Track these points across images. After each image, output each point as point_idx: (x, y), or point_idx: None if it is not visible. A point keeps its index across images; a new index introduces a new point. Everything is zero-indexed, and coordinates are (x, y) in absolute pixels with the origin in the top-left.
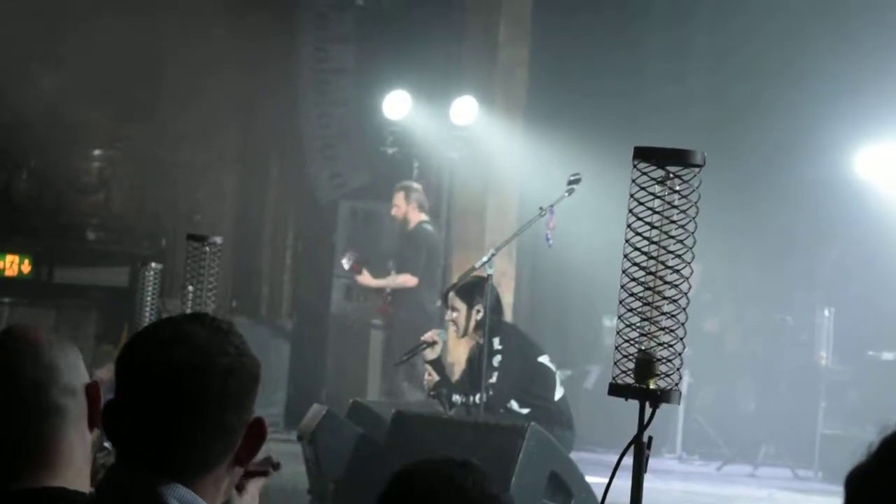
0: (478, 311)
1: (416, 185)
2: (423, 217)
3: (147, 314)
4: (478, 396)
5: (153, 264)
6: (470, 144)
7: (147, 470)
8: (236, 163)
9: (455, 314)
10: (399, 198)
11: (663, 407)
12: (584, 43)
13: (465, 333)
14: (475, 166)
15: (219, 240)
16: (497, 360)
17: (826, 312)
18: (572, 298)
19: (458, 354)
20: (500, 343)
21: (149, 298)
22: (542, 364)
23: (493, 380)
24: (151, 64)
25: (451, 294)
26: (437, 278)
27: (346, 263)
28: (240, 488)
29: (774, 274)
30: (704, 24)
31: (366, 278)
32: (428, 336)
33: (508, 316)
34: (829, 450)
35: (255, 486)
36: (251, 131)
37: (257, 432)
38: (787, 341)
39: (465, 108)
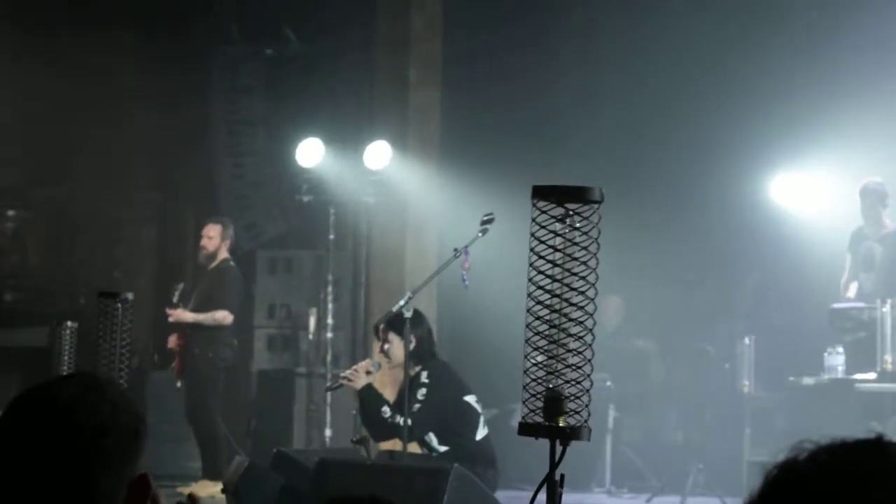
0: (410, 342)
1: (230, 223)
2: (228, 256)
3: (64, 374)
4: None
5: (69, 323)
6: (385, 188)
7: None
8: (153, 217)
9: (388, 345)
10: (216, 230)
11: (592, 441)
12: (496, 83)
13: (397, 364)
14: (392, 210)
15: (130, 296)
16: (422, 392)
17: (746, 340)
18: (495, 337)
19: (385, 389)
20: (428, 377)
21: (66, 357)
22: (467, 403)
23: (415, 410)
24: (63, 122)
25: (383, 326)
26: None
27: (175, 297)
28: None
29: (695, 303)
30: (615, 60)
31: (183, 314)
32: (362, 365)
33: None
34: (757, 477)
35: None
36: (166, 185)
37: (141, 489)
38: (709, 370)
39: (379, 153)
